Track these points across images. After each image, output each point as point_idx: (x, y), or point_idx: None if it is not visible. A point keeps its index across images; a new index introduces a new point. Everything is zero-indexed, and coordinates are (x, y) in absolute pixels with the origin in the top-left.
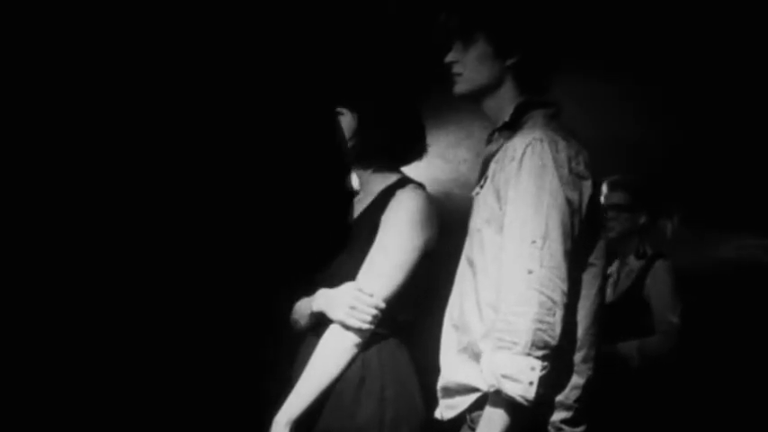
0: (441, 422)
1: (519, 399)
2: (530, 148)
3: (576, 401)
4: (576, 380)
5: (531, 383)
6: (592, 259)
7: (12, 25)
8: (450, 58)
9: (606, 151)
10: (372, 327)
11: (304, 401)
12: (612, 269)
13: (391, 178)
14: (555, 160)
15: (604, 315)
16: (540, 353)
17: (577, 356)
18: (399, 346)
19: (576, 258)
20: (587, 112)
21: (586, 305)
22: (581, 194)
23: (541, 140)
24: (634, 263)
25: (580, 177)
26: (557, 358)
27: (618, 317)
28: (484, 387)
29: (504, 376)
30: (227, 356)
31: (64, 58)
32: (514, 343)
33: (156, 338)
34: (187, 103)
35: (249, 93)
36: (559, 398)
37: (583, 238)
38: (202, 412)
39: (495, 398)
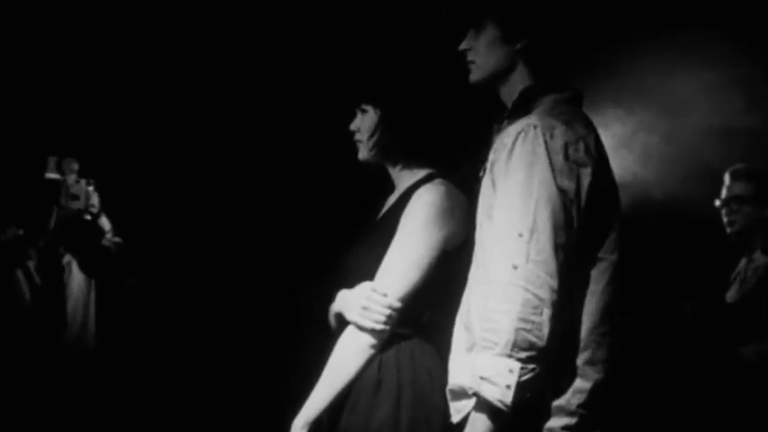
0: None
1: (497, 403)
2: (521, 136)
3: (580, 407)
4: (581, 383)
5: (508, 387)
6: (600, 253)
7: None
8: (463, 45)
9: (725, 140)
10: (387, 327)
11: (321, 404)
12: (740, 267)
13: (419, 174)
14: (548, 147)
15: (615, 313)
16: (523, 354)
17: (581, 358)
18: (422, 347)
19: (576, 252)
20: (703, 101)
21: (592, 302)
22: (578, 183)
23: (535, 126)
24: (761, 259)
25: (578, 165)
26: (546, 360)
27: (743, 317)
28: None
29: (482, 378)
30: (262, 359)
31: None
32: (495, 343)
33: (186, 339)
34: (208, 102)
35: (274, 91)
36: (559, 402)
37: (586, 230)
38: (232, 414)
39: (478, 401)
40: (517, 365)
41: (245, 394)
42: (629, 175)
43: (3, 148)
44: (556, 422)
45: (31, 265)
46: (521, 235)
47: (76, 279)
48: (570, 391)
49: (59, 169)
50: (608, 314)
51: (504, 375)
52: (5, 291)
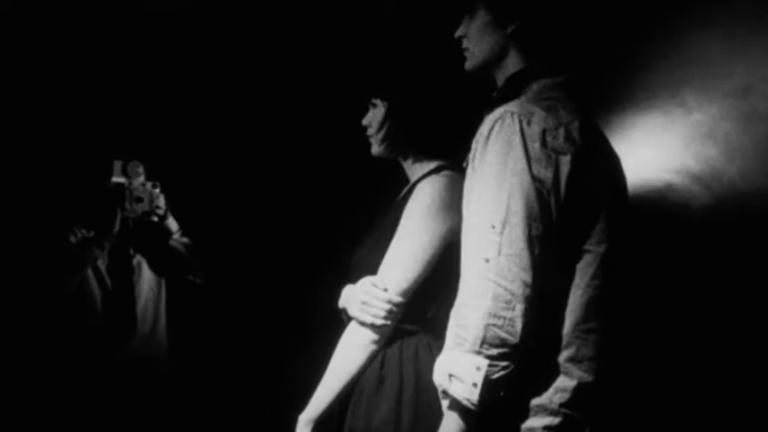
0: None
1: (464, 401)
2: (498, 123)
3: (563, 406)
4: (564, 381)
5: (474, 385)
6: (586, 245)
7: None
8: (458, 33)
9: None
10: (387, 322)
11: (324, 400)
12: None
13: (428, 167)
14: (524, 134)
15: (604, 308)
16: (494, 351)
17: (563, 355)
18: (428, 343)
19: (557, 244)
20: None
21: (577, 296)
22: (557, 172)
23: (512, 113)
24: None
25: (557, 152)
26: (519, 357)
27: None
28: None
29: (451, 376)
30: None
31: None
32: (465, 339)
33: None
34: (219, 99)
35: (285, 88)
36: (539, 401)
37: (568, 220)
38: (239, 411)
39: (450, 400)
40: (485, 363)
41: (249, 392)
42: (709, 166)
43: (71, 152)
44: (537, 422)
45: (102, 266)
46: (493, 227)
47: (147, 279)
48: (552, 389)
49: (125, 173)
50: (594, 309)
51: (471, 373)
52: (76, 291)
